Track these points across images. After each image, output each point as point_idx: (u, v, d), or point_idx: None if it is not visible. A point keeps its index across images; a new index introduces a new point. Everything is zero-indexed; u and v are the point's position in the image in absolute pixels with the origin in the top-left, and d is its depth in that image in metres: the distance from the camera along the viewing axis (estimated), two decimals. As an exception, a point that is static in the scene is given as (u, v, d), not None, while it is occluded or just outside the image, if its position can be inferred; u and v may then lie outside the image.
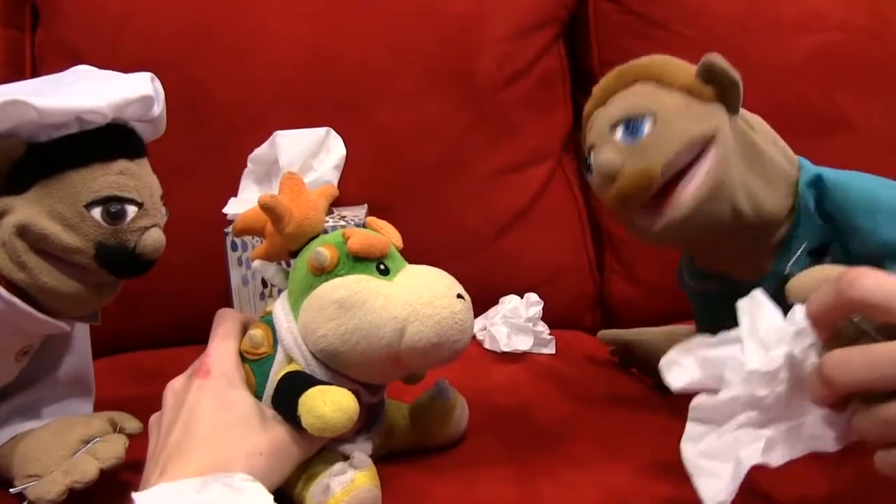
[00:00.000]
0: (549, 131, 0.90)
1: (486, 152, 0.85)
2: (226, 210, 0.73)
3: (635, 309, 0.89)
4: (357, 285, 0.45)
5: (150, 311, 0.79)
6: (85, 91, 0.47)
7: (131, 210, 0.46)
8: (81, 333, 0.56)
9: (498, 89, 0.86)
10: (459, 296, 0.46)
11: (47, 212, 0.45)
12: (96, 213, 0.45)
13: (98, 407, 0.56)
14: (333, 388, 0.44)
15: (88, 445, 0.48)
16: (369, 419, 0.50)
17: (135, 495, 0.37)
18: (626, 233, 0.89)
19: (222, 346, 0.48)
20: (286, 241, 0.48)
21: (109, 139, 0.47)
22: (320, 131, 0.75)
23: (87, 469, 0.46)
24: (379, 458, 0.48)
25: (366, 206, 0.78)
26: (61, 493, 0.45)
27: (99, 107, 0.46)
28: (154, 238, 0.47)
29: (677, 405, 0.67)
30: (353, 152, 0.78)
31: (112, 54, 0.78)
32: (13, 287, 0.45)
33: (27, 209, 0.45)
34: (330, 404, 0.42)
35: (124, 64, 0.52)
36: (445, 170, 0.84)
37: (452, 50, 0.85)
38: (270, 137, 0.74)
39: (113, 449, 0.48)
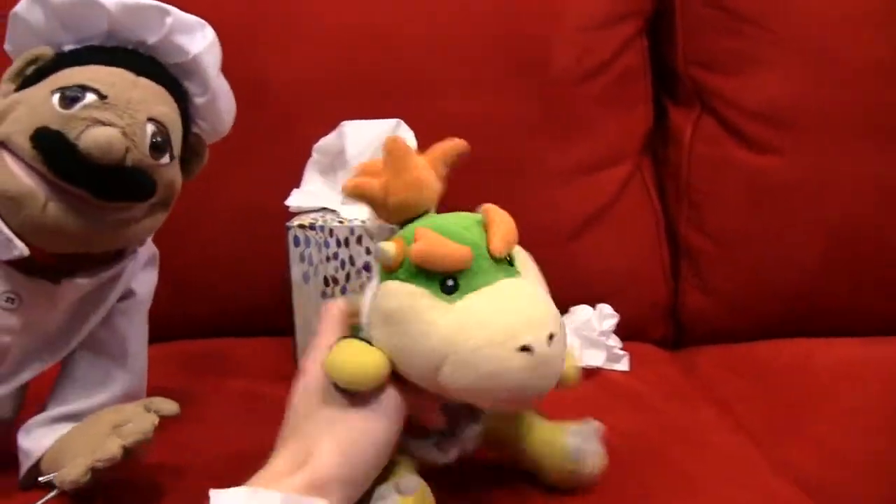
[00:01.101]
0: (627, 131, 0.85)
1: (558, 150, 0.81)
2: (288, 202, 0.70)
3: (710, 322, 0.85)
4: (408, 301, 0.40)
5: (201, 300, 0.78)
6: None
7: (89, 97, 0.42)
8: (138, 349, 0.55)
9: (574, 83, 0.81)
10: (526, 347, 0.38)
11: (27, 102, 0.43)
12: (56, 97, 0.42)
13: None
14: (362, 343, 0.41)
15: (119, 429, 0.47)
16: (451, 423, 0.46)
17: (212, 492, 0.36)
18: (704, 242, 0.86)
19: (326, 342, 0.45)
20: (390, 218, 0.45)
21: (123, 53, 0.46)
22: (390, 122, 0.71)
23: (108, 447, 0.45)
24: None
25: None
26: (82, 473, 0.44)
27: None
28: (102, 134, 0.41)
29: (756, 432, 0.63)
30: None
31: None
32: None
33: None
34: (357, 356, 0.40)
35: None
36: (513, 166, 0.80)
37: (527, 40, 0.81)
38: (338, 127, 0.71)
39: (138, 426, 0.46)
